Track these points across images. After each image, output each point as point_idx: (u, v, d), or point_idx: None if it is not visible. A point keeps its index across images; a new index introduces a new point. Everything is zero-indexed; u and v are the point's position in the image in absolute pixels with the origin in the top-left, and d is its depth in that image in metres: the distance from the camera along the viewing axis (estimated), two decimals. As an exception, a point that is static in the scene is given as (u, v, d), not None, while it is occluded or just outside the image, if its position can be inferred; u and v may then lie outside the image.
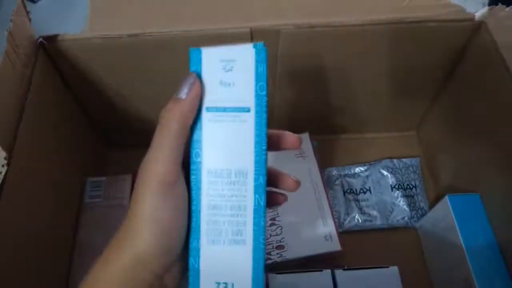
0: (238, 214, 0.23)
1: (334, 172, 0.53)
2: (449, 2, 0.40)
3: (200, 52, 0.23)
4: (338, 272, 0.33)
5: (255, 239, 0.23)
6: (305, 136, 0.51)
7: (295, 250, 0.44)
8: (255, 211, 0.23)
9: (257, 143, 0.23)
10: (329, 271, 0.33)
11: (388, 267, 0.33)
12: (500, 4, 0.39)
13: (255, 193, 0.23)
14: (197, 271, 0.23)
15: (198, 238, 0.23)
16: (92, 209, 0.45)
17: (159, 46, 0.40)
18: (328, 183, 0.52)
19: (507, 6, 0.38)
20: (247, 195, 0.23)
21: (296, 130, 0.51)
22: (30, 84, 0.37)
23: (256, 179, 0.23)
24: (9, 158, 0.32)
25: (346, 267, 0.33)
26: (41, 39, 0.39)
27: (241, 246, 0.23)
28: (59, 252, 0.43)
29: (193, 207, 0.23)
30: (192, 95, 0.23)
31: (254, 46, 0.23)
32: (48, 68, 0.41)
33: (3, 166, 0.32)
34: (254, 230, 0.23)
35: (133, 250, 0.22)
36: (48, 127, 0.41)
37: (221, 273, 0.23)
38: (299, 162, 0.50)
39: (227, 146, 0.23)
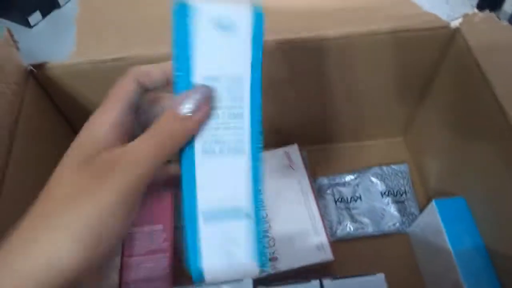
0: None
1: (325, 181, 0.53)
2: (424, 11, 0.41)
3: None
4: (326, 282, 0.34)
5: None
6: (294, 147, 0.52)
7: (288, 261, 0.45)
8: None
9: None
10: (317, 281, 0.34)
11: (375, 274, 0.34)
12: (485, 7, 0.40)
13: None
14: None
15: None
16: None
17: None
18: (319, 192, 0.53)
19: (493, 9, 0.39)
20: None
21: (284, 141, 0.52)
22: (20, 113, 0.38)
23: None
24: (0, 187, 0.33)
25: (334, 277, 0.34)
26: (30, 67, 0.40)
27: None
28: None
29: None
30: (199, 116, 0.21)
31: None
32: (39, 95, 0.42)
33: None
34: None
35: (45, 260, 0.18)
36: (41, 154, 0.42)
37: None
38: (289, 174, 0.50)
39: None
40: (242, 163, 0.23)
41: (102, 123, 0.21)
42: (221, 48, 0.22)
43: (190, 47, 0.22)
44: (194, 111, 0.21)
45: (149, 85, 0.24)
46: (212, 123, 0.22)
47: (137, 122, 0.24)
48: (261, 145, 0.23)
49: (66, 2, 0.51)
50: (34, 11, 0.48)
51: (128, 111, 0.22)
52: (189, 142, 0.22)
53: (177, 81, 0.22)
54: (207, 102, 0.21)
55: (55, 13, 0.58)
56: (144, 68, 0.23)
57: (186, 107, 0.21)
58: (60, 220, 0.18)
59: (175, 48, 0.22)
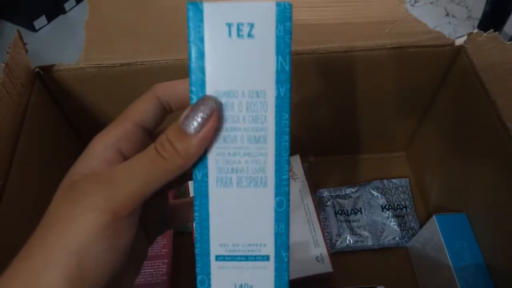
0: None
1: (326, 193, 0.53)
2: (430, 28, 0.42)
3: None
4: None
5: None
6: (296, 158, 0.52)
7: (287, 272, 0.45)
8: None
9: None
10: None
11: (375, 287, 0.34)
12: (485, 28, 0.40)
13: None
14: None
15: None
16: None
17: (151, 75, 0.41)
18: (319, 204, 0.53)
19: (494, 31, 0.40)
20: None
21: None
22: (25, 113, 0.38)
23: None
24: (3, 187, 0.33)
25: (334, 288, 0.34)
26: (37, 69, 0.40)
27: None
28: None
29: None
30: (204, 132, 0.18)
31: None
32: (44, 96, 0.42)
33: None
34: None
35: None
36: (44, 154, 0.42)
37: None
38: (291, 184, 0.50)
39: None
40: (263, 199, 0.20)
41: (99, 143, 0.20)
42: (238, 57, 0.19)
43: (204, 56, 0.19)
44: (196, 128, 0.18)
45: (174, 102, 0.21)
46: (228, 147, 0.20)
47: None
48: (287, 177, 0.20)
49: (71, 8, 0.52)
50: (39, 15, 0.49)
51: (135, 131, 0.20)
52: (201, 167, 0.20)
53: (191, 97, 0.19)
54: (214, 117, 0.18)
55: (60, 18, 0.59)
56: (169, 83, 0.21)
57: (190, 123, 0.18)
58: (48, 254, 0.17)
59: (189, 58, 0.19)
